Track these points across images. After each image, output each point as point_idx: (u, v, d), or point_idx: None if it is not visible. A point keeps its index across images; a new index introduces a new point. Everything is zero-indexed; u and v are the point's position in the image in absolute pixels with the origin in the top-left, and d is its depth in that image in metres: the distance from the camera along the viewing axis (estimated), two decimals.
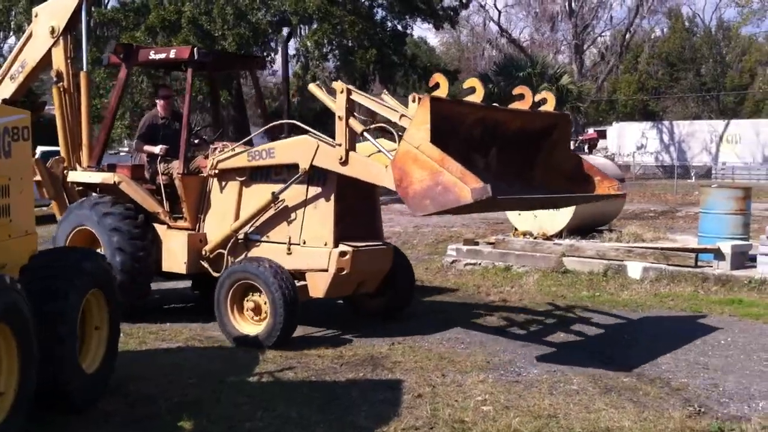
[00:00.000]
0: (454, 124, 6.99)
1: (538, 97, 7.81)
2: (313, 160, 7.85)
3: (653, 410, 5.92)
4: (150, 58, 9.22)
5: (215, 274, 8.41)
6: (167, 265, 8.82)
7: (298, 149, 8.01)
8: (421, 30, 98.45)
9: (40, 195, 9.47)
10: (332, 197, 7.95)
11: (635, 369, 7.04)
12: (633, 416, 5.77)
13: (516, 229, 13.60)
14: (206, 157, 8.79)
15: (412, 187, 6.57)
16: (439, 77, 6.88)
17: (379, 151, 7.45)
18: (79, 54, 9.67)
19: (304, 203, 8.08)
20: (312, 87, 8.12)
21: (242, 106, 34.39)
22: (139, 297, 8.73)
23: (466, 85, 7.33)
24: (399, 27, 31.79)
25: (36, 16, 9.70)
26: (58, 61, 9.41)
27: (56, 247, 7.90)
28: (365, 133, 7.54)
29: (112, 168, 9.41)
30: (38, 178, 9.16)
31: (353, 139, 7.63)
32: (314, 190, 8.04)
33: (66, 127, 9.51)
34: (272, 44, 31.30)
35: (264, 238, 8.34)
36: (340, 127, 7.57)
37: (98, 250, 8.54)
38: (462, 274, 12.14)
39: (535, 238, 12.98)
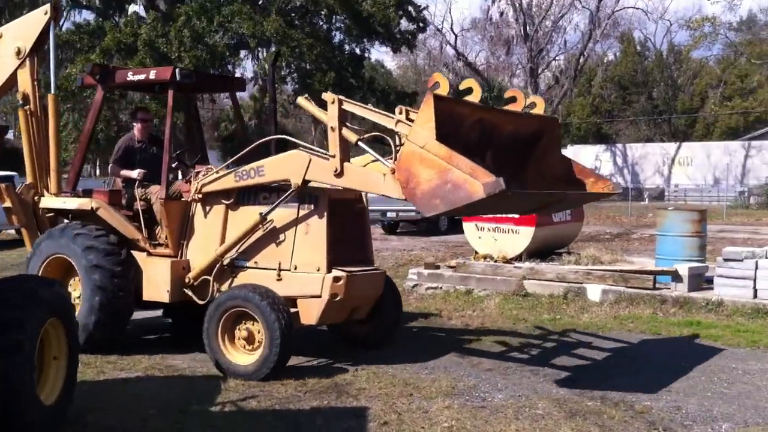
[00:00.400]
0: (455, 125, 6.89)
1: (528, 100, 7.78)
2: (305, 174, 7.62)
3: None
4: (128, 79, 8.91)
5: (200, 302, 8.18)
6: (148, 294, 8.48)
7: (290, 164, 7.78)
8: (378, 53, 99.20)
9: (9, 222, 9.30)
10: (324, 220, 7.74)
11: (599, 392, 7.05)
12: None
13: (476, 253, 13.66)
14: (187, 182, 8.55)
15: (420, 188, 6.47)
16: (438, 76, 6.80)
17: (375, 160, 7.33)
18: (46, 75, 9.50)
19: (295, 227, 7.87)
20: (301, 100, 8.00)
21: (199, 128, 34.38)
22: (120, 332, 8.43)
23: (463, 85, 7.21)
24: (357, 50, 31.98)
25: (0, 36, 9.35)
26: (25, 83, 9.05)
27: (13, 276, 7.61)
28: (360, 142, 7.39)
29: (87, 193, 9.05)
30: (8, 204, 8.94)
31: (347, 149, 7.48)
32: (305, 214, 7.84)
33: (33, 152, 9.15)
34: (230, 67, 31.21)
35: (251, 264, 8.09)
36: (333, 138, 7.38)
37: (75, 279, 8.40)
38: (423, 298, 12.14)
39: (496, 261, 13.04)
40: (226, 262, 8.14)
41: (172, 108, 8.88)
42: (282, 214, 7.89)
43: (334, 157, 7.38)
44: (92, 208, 8.58)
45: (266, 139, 9.15)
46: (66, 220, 8.97)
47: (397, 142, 7.11)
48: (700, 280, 11.38)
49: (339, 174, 7.37)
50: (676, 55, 61.72)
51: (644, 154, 47.73)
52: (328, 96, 7.46)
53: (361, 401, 6.77)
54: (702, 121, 59.97)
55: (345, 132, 7.38)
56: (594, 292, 11.40)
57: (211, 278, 8.15)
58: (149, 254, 8.50)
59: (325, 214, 7.74)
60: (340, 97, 7.47)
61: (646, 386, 7.26)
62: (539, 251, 13.40)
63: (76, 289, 8.41)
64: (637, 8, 51.96)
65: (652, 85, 60.83)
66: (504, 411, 6.47)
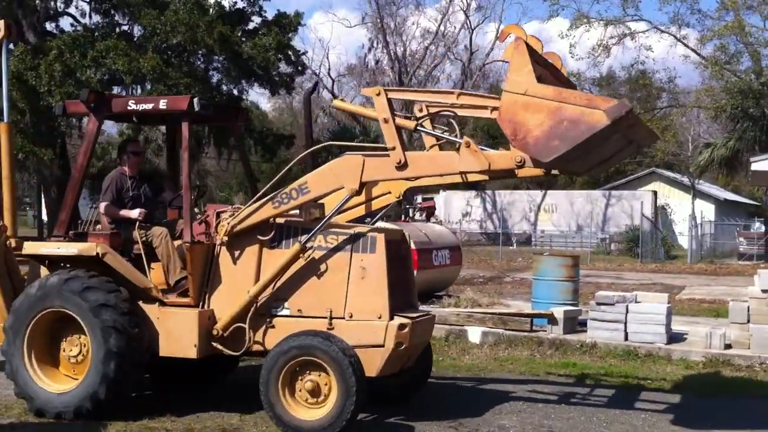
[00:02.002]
0: (539, 71, 6.61)
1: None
2: (362, 176, 7.10)
3: None
4: (129, 108, 7.84)
5: (233, 354, 7.50)
6: (168, 350, 7.53)
7: (340, 170, 7.19)
8: (254, 94, 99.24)
9: None
10: (384, 263, 7.16)
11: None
12: None
13: None
14: (201, 223, 7.76)
15: (532, 135, 6.20)
16: (510, 28, 6.58)
17: (442, 140, 7.12)
18: None
19: (347, 271, 7.23)
20: (337, 102, 7.81)
21: (67, 165, 33.18)
22: (127, 395, 7.64)
23: (506, 31, 6.71)
24: (235, 91, 31.82)
25: None
26: None
27: None
28: (419, 126, 7.16)
29: (81, 237, 7.95)
30: None
31: (403, 140, 7.09)
32: (359, 257, 7.22)
33: None
34: None
35: (294, 312, 7.36)
36: (388, 130, 7.01)
37: (73, 336, 7.53)
38: None
39: None
40: (262, 310, 7.37)
41: (175, 141, 8.35)
42: (331, 259, 7.30)
43: (394, 149, 6.97)
44: (98, 253, 7.48)
45: (318, 146, 8.94)
46: (42, 267, 7.95)
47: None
48: (574, 323, 11.88)
49: (402, 166, 6.94)
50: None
51: (512, 201, 49.37)
52: (371, 90, 7.18)
53: None
54: None
55: (400, 121, 7.09)
56: (474, 334, 11.67)
57: (246, 326, 7.31)
58: (163, 304, 7.58)
59: (384, 256, 7.19)
60: (383, 87, 7.19)
61: (529, 427, 7.48)
62: (420, 294, 13.57)
63: (73, 347, 7.56)
64: (506, 62, 53.71)
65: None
66: None
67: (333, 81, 55.19)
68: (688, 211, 40.76)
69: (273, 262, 7.34)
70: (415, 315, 7.40)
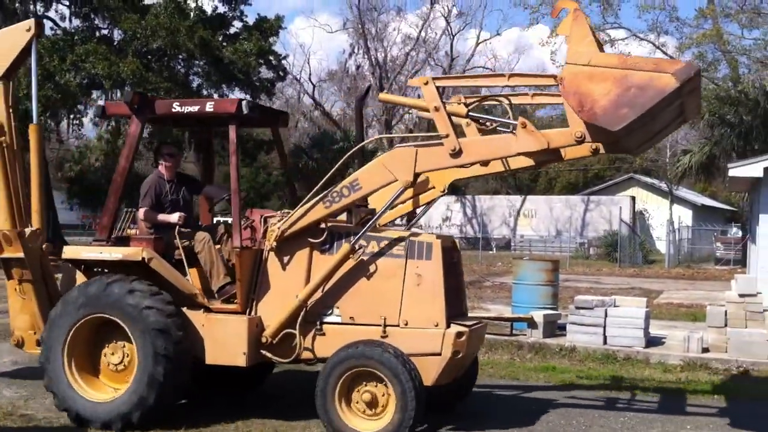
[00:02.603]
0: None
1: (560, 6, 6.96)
2: (415, 167, 7.01)
3: None
4: (174, 111, 7.64)
5: (283, 362, 7.41)
6: (215, 358, 7.35)
7: (392, 163, 7.12)
8: None
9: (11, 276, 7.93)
10: (440, 270, 7.04)
11: None
12: None
13: None
14: (246, 228, 7.62)
15: (599, 104, 6.13)
16: (564, 2, 6.46)
17: (493, 128, 7.10)
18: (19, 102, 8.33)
19: (402, 278, 7.08)
20: (383, 95, 7.69)
21: (46, 171, 32.96)
22: (176, 403, 7.48)
23: (559, 6, 6.60)
24: (215, 96, 31.77)
25: None
26: None
27: None
28: (471, 112, 7.08)
29: (123, 241, 7.78)
30: (18, 254, 7.75)
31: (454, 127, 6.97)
32: (415, 263, 7.08)
33: (11, 191, 7.97)
34: (81, 106, 30.23)
35: (346, 320, 7.21)
36: (440, 118, 6.89)
37: (115, 343, 7.35)
38: None
39: None
40: (311, 317, 7.22)
41: (210, 144, 8.47)
42: (385, 265, 7.16)
43: (447, 136, 6.86)
44: (143, 258, 7.31)
45: (372, 138, 8.66)
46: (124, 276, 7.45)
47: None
48: (554, 327, 11.97)
49: (457, 153, 6.85)
50: (522, 113, 64.99)
51: (492, 205, 49.59)
52: (419, 80, 7.10)
53: None
54: (545, 176, 62.01)
55: (451, 108, 7.02)
56: None
57: (296, 332, 7.17)
58: (208, 311, 7.41)
59: (441, 263, 7.06)
60: (431, 76, 7.06)
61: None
62: None
63: (115, 353, 7.39)
64: (486, 68, 54.15)
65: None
66: None
67: (314, 86, 55.20)
68: (666, 217, 41.11)
69: (324, 266, 7.19)
70: (470, 323, 7.29)
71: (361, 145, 8.34)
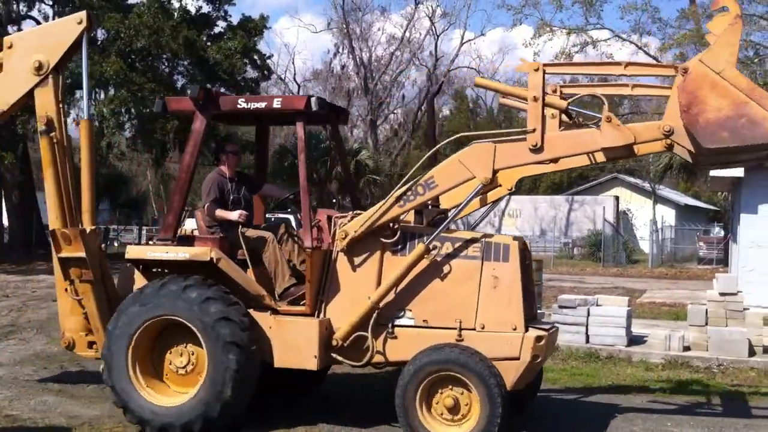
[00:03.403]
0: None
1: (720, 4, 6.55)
2: (494, 164, 6.84)
3: None
4: (240, 107, 7.52)
5: (355, 365, 7.24)
6: (284, 361, 7.22)
7: (470, 160, 6.94)
8: None
9: (71, 276, 7.74)
10: (518, 272, 6.89)
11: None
12: None
13: None
14: (313, 228, 7.38)
15: (705, 116, 6.00)
16: (729, 2, 6.22)
17: (573, 123, 6.93)
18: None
19: (478, 280, 6.93)
20: (479, 80, 7.54)
21: (29, 168, 32.75)
22: (244, 412, 7.21)
23: (719, 2, 6.34)
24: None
25: (10, 46, 7.93)
26: (46, 105, 7.76)
27: None
28: (571, 106, 6.89)
29: (185, 241, 7.63)
30: (80, 254, 7.60)
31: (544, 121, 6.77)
32: (491, 265, 6.93)
33: (61, 188, 7.81)
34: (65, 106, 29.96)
35: (420, 323, 7.05)
36: (534, 110, 6.71)
37: (184, 346, 7.19)
38: None
39: None
40: (383, 319, 7.07)
41: (266, 141, 8.42)
42: (460, 267, 7.00)
43: (533, 131, 6.72)
44: (212, 259, 7.16)
45: (451, 138, 8.33)
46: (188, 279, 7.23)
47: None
48: None
49: (539, 149, 6.71)
50: (506, 113, 65.14)
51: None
52: (530, 65, 6.88)
53: None
54: (529, 176, 62.02)
55: (550, 99, 6.78)
56: None
57: (368, 334, 7.02)
58: (275, 313, 7.27)
59: (518, 265, 6.91)
60: (542, 62, 6.93)
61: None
62: None
63: (182, 356, 7.23)
64: (471, 68, 54.48)
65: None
66: None
67: (299, 86, 55.19)
68: (649, 216, 41.30)
69: (396, 267, 7.03)
70: (546, 326, 7.18)
71: (442, 144, 8.21)
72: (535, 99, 6.72)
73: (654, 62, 6.54)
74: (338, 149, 8.80)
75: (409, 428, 6.68)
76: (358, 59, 52.09)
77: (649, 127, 6.60)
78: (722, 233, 41.04)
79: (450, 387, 6.66)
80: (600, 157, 6.83)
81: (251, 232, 7.64)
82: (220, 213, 7.73)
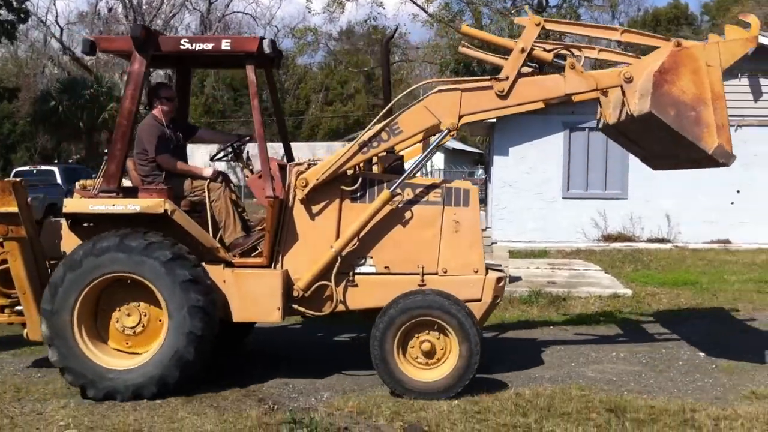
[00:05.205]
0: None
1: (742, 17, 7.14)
2: (460, 110, 6.89)
3: (232, 412, 6.24)
4: (183, 48, 6.95)
5: (318, 315, 7.07)
6: (244, 315, 6.97)
7: (436, 106, 6.91)
8: None
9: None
10: (478, 216, 7.05)
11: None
12: (214, 420, 6.04)
13: None
14: (260, 176, 7.07)
15: (669, 87, 6.50)
16: (749, 17, 6.87)
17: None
18: None
19: (439, 226, 6.99)
20: (465, 28, 7.44)
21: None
22: (201, 374, 6.84)
23: (746, 18, 6.94)
24: None
25: None
26: None
27: None
28: (556, 59, 7.10)
29: (130, 191, 7.05)
30: (12, 209, 6.77)
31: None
32: (452, 210, 7.00)
33: None
34: None
35: (381, 269, 7.03)
36: (516, 60, 6.95)
37: (133, 305, 6.75)
38: None
39: None
40: (343, 268, 6.96)
41: (187, 86, 7.95)
42: (421, 212, 7.03)
43: (506, 79, 6.93)
44: (166, 211, 6.71)
45: (424, 83, 7.69)
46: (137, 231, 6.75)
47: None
48: None
49: (505, 95, 6.92)
50: (283, 61, 36.52)
51: (256, 153, 45.41)
52: (532, 19, 7.04)
53: None
54: (308, 123, 62.83)
55: (537, 53, 7.08)
56: None
57: (332, 284, 6.93)
58: (229, 266, 6.96)
59: (478, 209, 7.06)
60: (543, 18, 7.20)
61: (259, 369, 7.71)
62: None
63: (130, 315, 6.78)
64: (246, 14, 48.64)
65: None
66: (122, 405, 6.44)
67: (62, 29, 49.97)
68: None
69: (356, 215, 6.97)
70: (499, 268, 7.44)
71: (407, 91, 8.04)
72: (523, 50, 6.99)
73: (650, 33, 7.52)
74: (273, 96, 8.32)
75: (388, 373, 6.66)
76: (126, 2, 48.22)
77: (610, 73, 7.02)
78: (484, 175, 42.32)
79: (426, 332, 6.69)
80: (566, 101, 7.20)
81: (196, 182, 7.31)
82: (184, 166, 7.37)
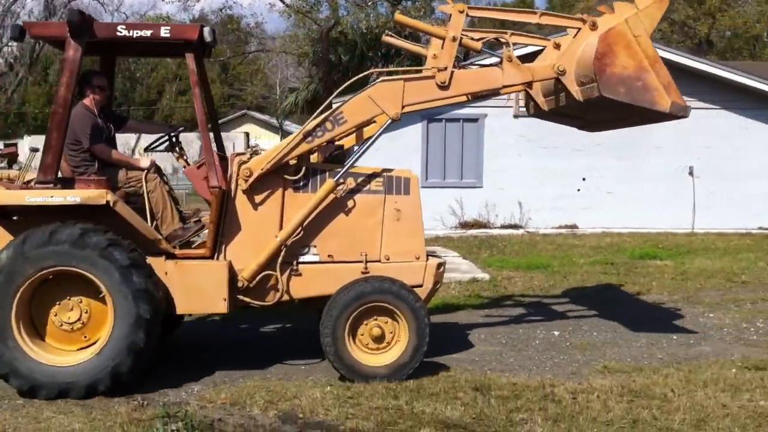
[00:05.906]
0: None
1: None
2: (403, 100, 7.03)
3: (100, 410, 6.10)
4: (120, 34, 6.68)
5: (264, 305, 7.07)
6: (188, 307, 6.95)
7: (379, 97, 7.00)
8: None
9: None
10: (418, 204, 7.23)
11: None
12: (82, 418, 5.90)
13: None
14: (199, 167, 7.00)
15: (612, 69, 6.81)
16: None
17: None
18: None
19: (381, 214, 7.15)
20: (399, 17, 7.36)
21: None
22: (151, 362, 6.78)
23: None
24: None
25: None
26: None
27: None
28: (484, 48, 7.35)
29: (67, 183, 6.78)
30: None
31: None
32: (394, 198, 7.18)
33: None
34: None
35: (324, 258, 7.12)
36: (449, 49, 7.08)
37: (74, 300, 6.53)
38: None
39: None
40: (286, 257, 6.98)
41: (113, 74, 7.74)
42: (364, 201, 7.15)
43: (445, 69, 7.06)
44: (108, 202, 6.49)
45: (364, 74, 7.59)
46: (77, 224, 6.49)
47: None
48: None
49: (446, 86, 7.08)
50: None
51: (125, 141, 44.99)
52: (455, 6, 7.15)
53: None
54: (161, 113, 61.02)
55: (466, 41, 7.25)
56: None
57: (277, 273, 6.94)
58: (171, 257, 6.85)
59: (419, 197, 7.24)
60: (467, 5, 7.30)
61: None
62: None
63: (71, 310, 6.56)
64: (94, 0, 45.45)
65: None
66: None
67: None
68: None
69: (299, 204, 7.02)
70: (438, 255, 7.76)
71: (357, 78, 7.68)
72: (454, 39, 7.12)
73: (566, 15, 8.03)
74: (203, 83, 7.80)
75: (338, 359, 6.76)
76: None
77: (545, 67, 7.33)
78: None
79: (374, 318, 6.84)
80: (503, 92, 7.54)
81: (131, 173, 7.20)
82: (120, 156, 7.29)
